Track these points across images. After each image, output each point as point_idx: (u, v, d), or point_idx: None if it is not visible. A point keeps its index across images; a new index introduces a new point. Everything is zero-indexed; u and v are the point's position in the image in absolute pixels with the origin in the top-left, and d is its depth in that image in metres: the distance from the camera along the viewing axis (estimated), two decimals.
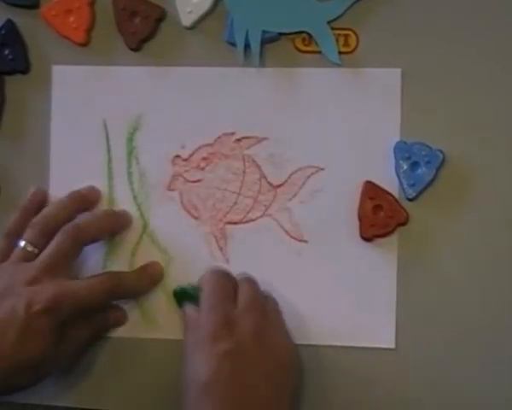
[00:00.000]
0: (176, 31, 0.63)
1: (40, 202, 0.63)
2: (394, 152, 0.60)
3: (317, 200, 0.62)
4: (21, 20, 0.65)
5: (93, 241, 0.61)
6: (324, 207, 0.62)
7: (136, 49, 0.64)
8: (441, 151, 0.60)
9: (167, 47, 0.64)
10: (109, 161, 0.64)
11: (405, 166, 0.60)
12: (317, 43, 0.62)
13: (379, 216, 0.61)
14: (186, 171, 0.63)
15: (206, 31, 0.63)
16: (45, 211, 0.61)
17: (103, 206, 0.64)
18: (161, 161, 0.64)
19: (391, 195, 0.61)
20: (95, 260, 0.63)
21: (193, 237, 0.63)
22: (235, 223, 0.63)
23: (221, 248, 0.63)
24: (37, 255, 0.59)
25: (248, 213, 0.63)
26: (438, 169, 0.60)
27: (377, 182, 0.61)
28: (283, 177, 0.63)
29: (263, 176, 0.63)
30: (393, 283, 0.61)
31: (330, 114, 0.62)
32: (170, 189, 0.64)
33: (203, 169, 0.63)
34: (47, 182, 0.64)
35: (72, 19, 0.63)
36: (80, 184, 0.64)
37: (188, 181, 0.63)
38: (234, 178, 0.63)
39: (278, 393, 0.54)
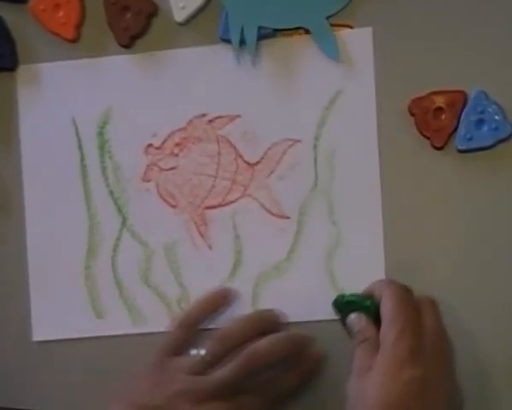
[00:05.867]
0: (168, 27, 0.62)
1: (224, 300, 0.60)
2: (473, 98, 0.57)
3: (296, 173, 0.60)
4: (9, 15, 0.63)
5: (269, 367, 0.57)
6: (304, 180, 0.60)
7: (127, 45, 0.62)
8: None
9: (159, 43, 0.62)
10: (82, 158, 0.63)
11: (473, 118, 0.57)
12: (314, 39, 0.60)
13: None
14: (160, 159, 0.62)
15: (200, 27, 0.61)
16: (232, 328, 0.57)
17: (81, 205, 0.62)
18: (134, 152, 0.62)
19: None
20: (75, 257, 0.62)
21: (172, 226, 0.61)
22: (215, 207, 0.61)
23: (202, 235, 0.61)
24: (211, 367, 0.56)
25: (227, 195, 0.61)
26: (500, 141, 0.57)
27: None
28: (259, 154, 0.61)
29: (239, 155, 0.61)
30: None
31: (302, 84, 0.60)
32: (145, 180, 0.62)
33: (177, 155, 0.61)
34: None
35: (61, 14, 0.62)
36: (55, 187, 0.62)
37: (163, 169, 0.62)
38: (209, 160, 0.61)
39: None
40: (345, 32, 0.60)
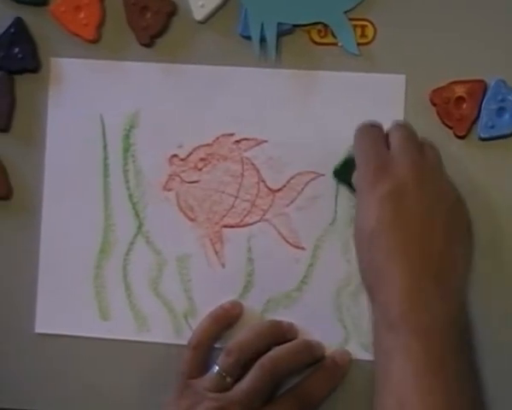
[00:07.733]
0: (188, 25, 0.62)
1: (237, 315, 0.60)
2: (493, 87, 0.58)
3: (316, 206, 0.61)
4: (30, 17, 0.63)
5: (289, 375, 0.58)
6: (323, 214, 0.60)
7: (147, 44, 0.62)
8: None
9: (180, 42, 0.62)
10: (105, 157, 0.63)
11: (494, 106, 0.58)
12: (333, 35, 0.61)
13: None
14: (183, 171, 0.62)
15: (219, 25, 0.62)
16: (242, 339, 0.58)
17: (98, 204, 0.62)
18: (158, 160, 0.62)
19: None
20: (87, 255, 0.62)
21: (188, 239, 0.62)
22: (232, 226, 0.62)
23: (216, 252, 0.62)
24: (231, 384, 0.56)
25: (245, 216, 0.61)
26: None
27: None
28: (282, 181, 0.61)
29: (261, 179, 0.61)
30: None
31: (332, 118, 0.61)
32: (166, 188, 0.62)
33: (200, 170, 0.62)
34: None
35: (82, 15, 0.62)
36: (75, 182, 0.62)
37: (184, 181, 0.62)
38: (232, 180, 0.62)
39: (448, 235, 0.51)
40: (378, 76, 0.60)
